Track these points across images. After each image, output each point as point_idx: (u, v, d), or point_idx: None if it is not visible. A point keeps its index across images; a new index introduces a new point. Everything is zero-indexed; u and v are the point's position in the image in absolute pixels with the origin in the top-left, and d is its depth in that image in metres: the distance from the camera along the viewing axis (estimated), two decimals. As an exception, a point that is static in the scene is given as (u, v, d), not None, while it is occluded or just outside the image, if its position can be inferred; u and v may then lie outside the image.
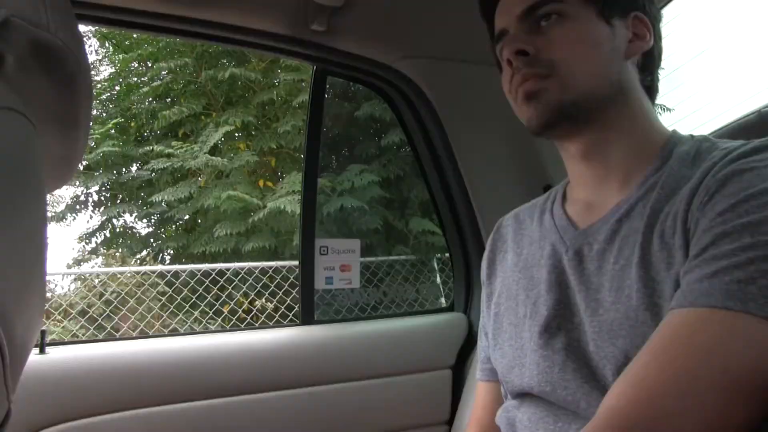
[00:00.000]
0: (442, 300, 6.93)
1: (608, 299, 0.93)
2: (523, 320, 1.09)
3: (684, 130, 1.07)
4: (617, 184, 1.03)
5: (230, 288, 6.24)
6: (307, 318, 1.88)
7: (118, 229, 8.23)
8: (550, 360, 0.99)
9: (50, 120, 0.62)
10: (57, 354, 1.53)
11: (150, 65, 8.36)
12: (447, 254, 2.21)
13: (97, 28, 7.27)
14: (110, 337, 5.38)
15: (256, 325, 5.97)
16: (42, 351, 1.52)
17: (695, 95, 7.88)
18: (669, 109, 8.18)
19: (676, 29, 7.68)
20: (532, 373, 1.03)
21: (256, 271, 6.14)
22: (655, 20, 1.09)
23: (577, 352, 0.97)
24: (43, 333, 1.55)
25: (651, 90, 1.11)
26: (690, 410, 0.72)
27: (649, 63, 1.09)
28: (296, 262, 6.17)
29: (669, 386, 0.74)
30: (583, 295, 0.98)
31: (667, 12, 1.84)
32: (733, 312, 0.73)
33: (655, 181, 0.96)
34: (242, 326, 5.88)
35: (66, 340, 1.69)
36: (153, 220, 8.30)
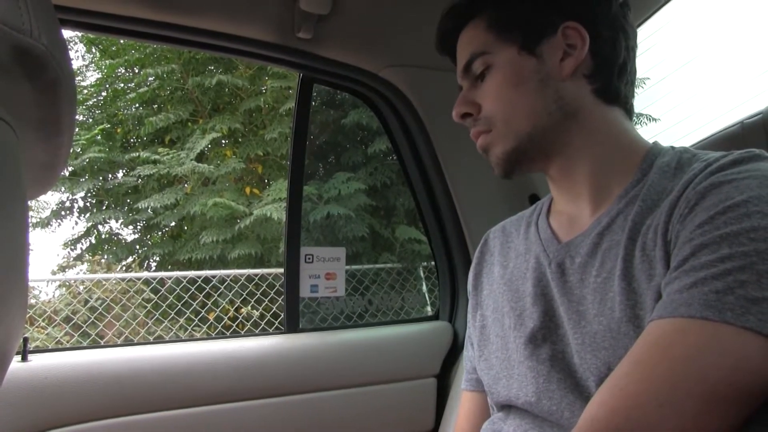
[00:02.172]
0: (428, 308, 6.93)
1: (591, 311, 0.94)
2: (509, 332, 1.10)
3: (669, 140, 1.08)
4: (595, 198, 1.04)
5: (216, 295, 6.23)
6: (291, 326, 1.88)
7: (103, 236, 8.20)
8: (535, 371, 1.00)
9: (32, 126, 0.62)
10: (39, 361, 1.52)
11: (137, 71, 8.34)
12: (433, 262, 2.21)
13: (83, 33, 7.25)
14: (93, 345, 5.35)
15: (242, 332, 5.96)
16: (24, 358, 1.51)
17: (681, 105, 7.93)
18: (655, 119, 8.23)
19: (662, 40, 7.74)
20: (520, 384, 1.04)
21: (242, 279, 6.14)
22: (597, 18, 1.05)
23: (561, 363, 0.98)
24: (25, 340, 1.54)
25: (612, 95, 1.07)
26: (668, 419, 0.73)
27: (601, 67, 1.05)
28: (282, 270, 6.16)
29: (648, 395, 0.75)
30: (565, 308, 0.99)
31: (652, 23, 1.85)
32: (711, 322, 0.74)
33: (636, 194, 0.97)
34: (228, 333, 5.86)
35: (49, 348, 1.67)
36: (139, 227, 8.27)
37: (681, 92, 8.11)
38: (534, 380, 1.00)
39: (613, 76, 1.07)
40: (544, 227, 1.13)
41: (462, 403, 1.31)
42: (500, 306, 1.15)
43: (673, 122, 7.94)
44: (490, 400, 1.17)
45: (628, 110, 1.10)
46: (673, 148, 1.03)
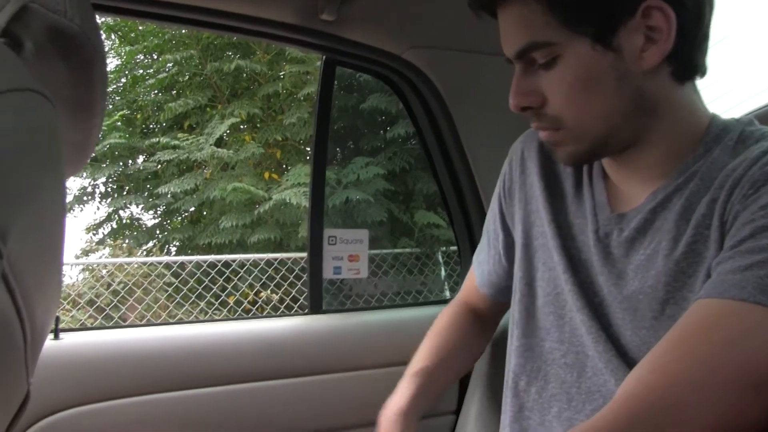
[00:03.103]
0: (447, 293, 6.92)
1: (630, 288, 0.92)
2: (557, 268, 1.07)
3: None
4: (654, 173, 0.98)
5: (236, 279, 6.25)
6: (315, 307, 1.89)
7: (124, 221, 8.25)
8: (587, 325, 0.99)
9: (67, 106, 0.63)
10: (70, 340, 1.56)
11: (155, 57, 8.35)
12: (452, 247, 2.21)
13: (104, 19, 7.27)
14: (122, 324, 5.40)
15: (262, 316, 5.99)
16: (56, 336, 1.54)
17: (715, 83, 7.79)
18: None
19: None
20: (573, 331, 1.03)
21: (262, 263, 6.16)
22: None
23: (608, 331, 0.97)
24: (57, 319, 1.56)
25: (691, 73, 0.96)
26: (705, 402, 0.72)
27: (683, 45, 0.90)
28: (301, 254, 6.18)
29: (687, 375, 0.74)
30: (605, 278, 0.98)
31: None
32: (763, 307, 0.72)
33: (695, 171, 0.92)
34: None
35: (79, 327, 1.71)
36: (159, 212, 8.31)
37: (715, 70, 7.96)
38: (585, 334, 0.99)
39: (694, 52, 0.94)
40: (600, 189, 1.06)
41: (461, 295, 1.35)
42: (549, 235, 1.10)
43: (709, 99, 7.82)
44: (513, 330, 1.18)
45: (702, 75, 0.98)
46: (737, 120, 0.97)
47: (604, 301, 0.98)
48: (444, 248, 6.86)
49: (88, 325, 5.93)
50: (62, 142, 0.57)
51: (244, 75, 8.06)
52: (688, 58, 0.93)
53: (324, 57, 1.91)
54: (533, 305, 1.13)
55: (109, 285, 6.22)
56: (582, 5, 0.88)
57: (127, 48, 8.21)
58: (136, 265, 6.57)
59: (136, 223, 8.35)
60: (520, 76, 0.97)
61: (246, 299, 6.55)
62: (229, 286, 6.24)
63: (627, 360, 0.92)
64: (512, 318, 1.19)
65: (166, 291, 6.22)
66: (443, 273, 6.84)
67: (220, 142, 7.58)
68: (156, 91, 8.33)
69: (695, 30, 0.92)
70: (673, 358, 0.76)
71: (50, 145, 0.51)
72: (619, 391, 0.80)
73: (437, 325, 1.39)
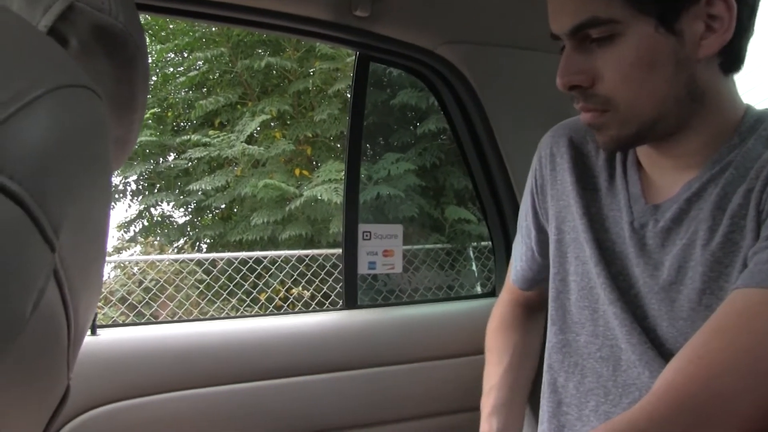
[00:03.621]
0: (478, 288, 6.91)
1: (666, 279, 0.92)
2: (589, 261, 1.07)
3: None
4: (690, 162, 0.97)
5: (267, 276, 6.29)
6: (350, 302, 1.89)
7: (155, 218, 8.33)
8: (619, 318, 0.99)
9: (110, 103, 0.63)
10: (108, 336, 1.57)
11: (186, 55, 8.43)
12: (483, 242, 2.21)
13: (142, 14, 7.33)
14: (158, 320, 5.46)
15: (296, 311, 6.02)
16: (93, 332, 1.55)
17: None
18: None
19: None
20: (606, 324, 1.02)
21: (293, 259, 6.19)
22: None
23: (643, 323, 0.97)
24: (95, 315, 1.58)
25: (738, 65, 0.96)
26: (748, 391, 0.72)
27: (735, 38, 0.90)
28: (333, 250, 6.20)
29: (728, 366, 0.74)
30: (641, 270, 0.97)
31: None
32: None
33: (730, 160, 0.91)
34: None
35: (115, 323, 1.72)
36: (190, 209, 8.38)
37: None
38: (618, 327, 0.99)
39: (744, 46, 0.95)
40: (634, 180, 1.05)
41: (507, 291, 1.38)
42: (581, 229, 1.10)
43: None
44: (552, 324, 1.17)
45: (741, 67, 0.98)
46: None
47: (640, 292, 0.98)
48: (475, 243, 6.84)
49: (121, 322, 6.01)
50: (110, 137, 0.58)
51: (274, 72, 8.10)
52: (738, 50, 0.93)
53: (358, 53, 1.91)
54: (568, 300, 1.13)
55: (141, 282, 6.28)
56: None
57: (158, 46, 8.29)
58: (167, 263, 6.63)
59: (167, 220, 8.43)
60: (570, 53, 0.95)
61: (277, 296, 6.58)
62: (261, 283, 6.28)
63: (662, 352, 0.92)
64: (549, 315, 1.19)
65: (198, 288, 6.27)
66: (474, 268, 6.83)
67: (250, 140, 7.62)
68: (186, 89, 8.40)
69: (749, 24, 0.92)
70: (714, 347, 0.76)
71: (100, 140, 0.51)
72: (658, 382, 0.80)
73: (494, 330, 1.44)
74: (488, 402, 1.29)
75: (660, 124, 0.93)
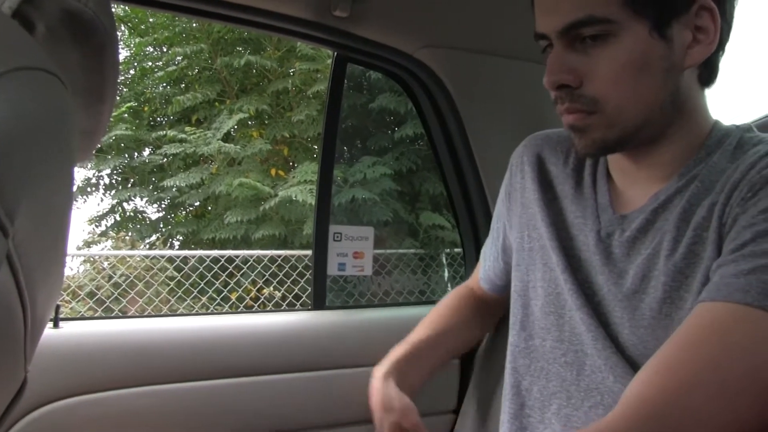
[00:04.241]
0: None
1: (630, 288, 0.93)
2: (556, 269, 1.08)
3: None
4: (660, 174, 0.98)
5: (239, 275, 6.27)
6: (318, 303, 1.88)
7: (128, 213, 8.26)
8: (586, 323, 1.00)
9: (77, 91, 0.62)
10: (70, 329, 1.54)
11: (165, 50, 8.38)
12: (456, 249, 2.22)
13: (115, 9, 7.27)
14: (122, 315, 5.41)
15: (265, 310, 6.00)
16: (56, 325, 1.53)
17: (719, 89, 7.78)
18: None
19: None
20: (572, 330, 1.03)
21: (265, 259, 6.17)
22: None
23: (607, 329, 0.98)
24: (57, 308, 1.55)
25: (714, 79, 0.99)
26: (718, 406, 0.73)
27: (715, 51, 0.94)
28: (305, 252, 6.19)
29: (699, 379, 0.74)
30: (605, 278, 0.99)
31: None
32: (766, 312, 0.73)
33: (696, 174, 0.93)
34: (249, 313, 5.89)
35: (79, 317, 1.70)
36: (163, 205, 8.33)
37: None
38: (585, 333, 1.00)
39: (719, 59, 0.98)
40: (603, 191, 1.07)
41: (470, 281, 1.41)
42: (547, 237, 1.11)
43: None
44: (514, 338, 1.18)
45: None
46: (736, 126, 0.98)
47: (604, 300, 0.99)
48: (448, 250, 6.86)
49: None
50: (74, 125, 0.57)
51: (254, 71, 8.07)
52: (715, 65, 0.97)
53: (335, 53, 1.90)
54: (533, 306, 1.14)
55: (111, 277, 6.22)
56: None
57: (137, 39, 8.23)
58: (138, 258, 6.57)
59: (139, 215, 8.36)
60: (560, 52, 0.95)
61: (248, 295, 6.56)
62: (232, 282, 6.26)
63: (626, 357, 0.93)
64: (513, 321, 1.20)
65: (168, 285, 6.22)
66: (446, 274, 6.84)
67: (227, 137, 7.59)
68: (164, 84, 8.35)
69: (726, 40, 0.95)
70: (684, 360, 0.76)
71: (62, 127, 0.50)
72: (626, 394, 0.80)
73: (441, 303, 1.48)
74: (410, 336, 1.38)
75: (643, 131, 0.94)
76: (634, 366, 0.91)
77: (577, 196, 1.10)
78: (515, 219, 1.23)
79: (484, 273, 1.40)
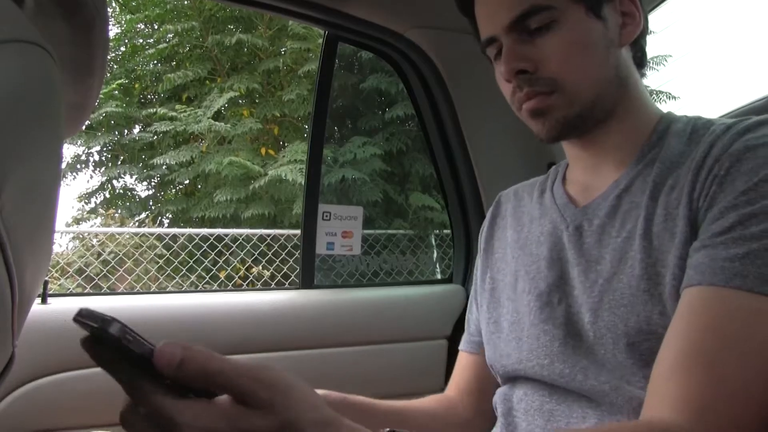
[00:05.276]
0: (438, 275, 6.93)
1: (609, 271, 0.94)
2: (522, 295, 1.10)
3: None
4: (615, 163, 1.04)
5: (228, 254, 6.27)
6: (307, 282, 1.89)
7: (118, 191, 8.25)
8: (550, 334, 1.01)
9: (66, 66, 0.62)
10: (58, 305, 1.54)
11: (156, 27, 8.33)
12: (445, 230, 2.22)
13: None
14: (111, 292, 5.40)
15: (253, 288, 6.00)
16: (44, 301, 1.53)
17: (701, 82, 7.84)
18: (675, 97, 8.15)
19: (684, 16, 7.62)
20: (531, 347, 1.04)
21: (254, 238, 6.17)
22: None
23: (576, 327, 0.98)
24: (45, 283, 1.55)
25: (641, 61, 1.10)
26: (739, 405, 0.75)
27: (640, 36, 1.06)
28: (294, 231, 6.19)
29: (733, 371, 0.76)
30: (582, 268, 1.00)
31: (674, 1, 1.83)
32: (766, 297, 0.76)
33: (653, 157, 0.98)
34: (238, 292, 5.90)
35: (67, 292, 1.69)
36: (153, 183, 8.30)
37: (702, 69, 8.02)
38: (548, 343, 1.01)
39: (645, 44, 1.09)
40: (560, 193, 1.13)
41: (459, 362, 1.32)
42: (513, 270, 1.15)
43: (693, 100, 7.87)
44: (495, 372, 1.18)
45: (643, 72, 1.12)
46: (686, 116, 1.04)
47: (581, 294, 0.99)
48: (437, 231, 6.87)
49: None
50: (62, 99, 0.57)
51: (245, 49, 8.03)
52: (643, 48, 1.09)
53: (326, 32, 1.90)
54: (498, 338, 1.15)
55: (100, 254, 6.21)
56: None
57: (128, 16, 8.18)
58: (127, 236, 6.56)
59: (129, 193, 8.34)
60: (511, 45, 1.01)
61: (237, 274, 6.56)
62: (221, 261, 6.26)
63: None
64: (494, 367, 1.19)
65: (157, 263, 6.22)
66: (435, 255, 6.86)
67: (218, 116, 7.57)
68: (155, 62, 8.31)
69: (647, 25, 1.08)
70: (718, 350, 0.77)
71: (50, 100, 0.50)
72: (665, 394, 0.80)
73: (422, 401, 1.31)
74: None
75: (598, 106, 1.01)
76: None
77: (541, 211, 1.16)
78: (490, 267, 1.26)
79: (468, 338, 1.33)
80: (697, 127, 0.98)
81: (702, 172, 0.87)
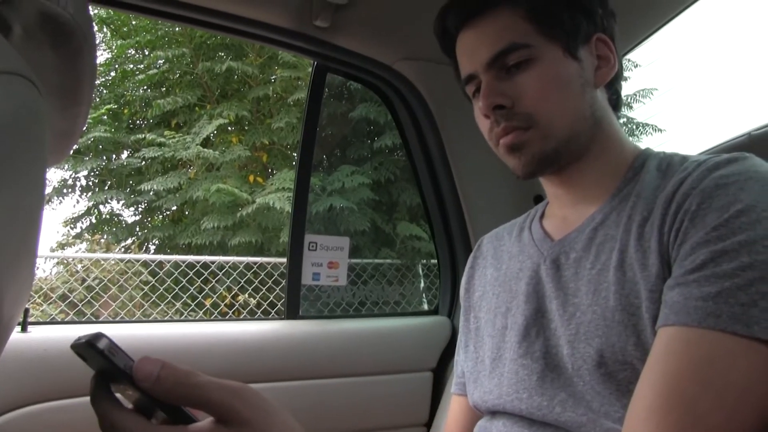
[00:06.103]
0: (425, 306, 6.92)
1: (585, 302, 0.95)
2: (501, 332, 1.11)
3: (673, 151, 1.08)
4: (591, 199, 1.06)
5: (214, 281, 6.24)
6: (292, 312, 1.88)
7: (104, 216, 8.22)
8: (528, 368, 1.01)
9: (53, 94, 0.62)
10: (38, 333, 1.52)
11: (147, 53, 8.36)
12: (432, 260, 2.21)
13: (97, 10, 7.25)
14: (93, 320, 5.35)
15: (238, 318, 5.96)
16: (24, 329, 1.51)
17: (686, 116, 7.92)
18: (660, 130, 8.22)
19: (669, 51, 7.72)
20: (510, 381, 1.04)
21: (241, 266, 6.14)
22: (613, 33, 1.11)
23: (555, 360, 0.99)
24: (26, 311, 1.53)
25: (617, 103, 1.14)
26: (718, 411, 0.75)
27: (615, 79, 1.10)
28: (282, 259, 6.16)
29: (687, 415, 0.76)
30: (560, 301, 1.01)
31: (659, 34, 1.86)
32: (739, 337, 0.75)
33: (629, 192, 1.00)
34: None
35: (48, 321, 1.67)
36: (140, 209, 8.28)
37: (687, 103, 8.11)
38: (527, 377, 1.01)
39: (620, 87, 1.14)
40: (537, 229, 1.15)
41: (452, 406, 1.32)
42: (493, 307, 1.16)
43: (678, 133, 7.95)
44: (481, 412, 1.17)
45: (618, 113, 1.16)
46: (664, 152, 1.07)
47: (559, 326, 1.00)
48: (425, 261, 6.88)
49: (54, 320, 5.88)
50: (47, 129, 0.56)
51: (235, 76, 8.07)
52: (619, 90, 1.13)
53: (315, 63, 1.91)
54: (483, 374, 1.15)
55: (84, 280, 6.17)
56: (555, 19, 1.03)
57: (119, 42, 8.21)
58: (113, 262, 6.52)
59: (116, 218, 8.32)
60: (490, 82, 1.05)
61: (223, 302, 6.53)
62: (207, 288, 6.23)
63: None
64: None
65: (142, 289, 6.19)
66: (422, 285, 6.85)
67: (206, 142, 7.58)
68: (145, 87, 8.32)
69: (621, 69, 1.14)
70: (690, 389, 0.77)
71: (34, 130, 0.50)
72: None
73: None
74: None
75: (573, 142, 1.03)
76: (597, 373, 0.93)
77: (519, 248, 1.18)
78: (471, 309, 1.27)
79: (456, 380, 1.35)
80: (672, 162, 1.00)
81: (672, 206, 0.89)
